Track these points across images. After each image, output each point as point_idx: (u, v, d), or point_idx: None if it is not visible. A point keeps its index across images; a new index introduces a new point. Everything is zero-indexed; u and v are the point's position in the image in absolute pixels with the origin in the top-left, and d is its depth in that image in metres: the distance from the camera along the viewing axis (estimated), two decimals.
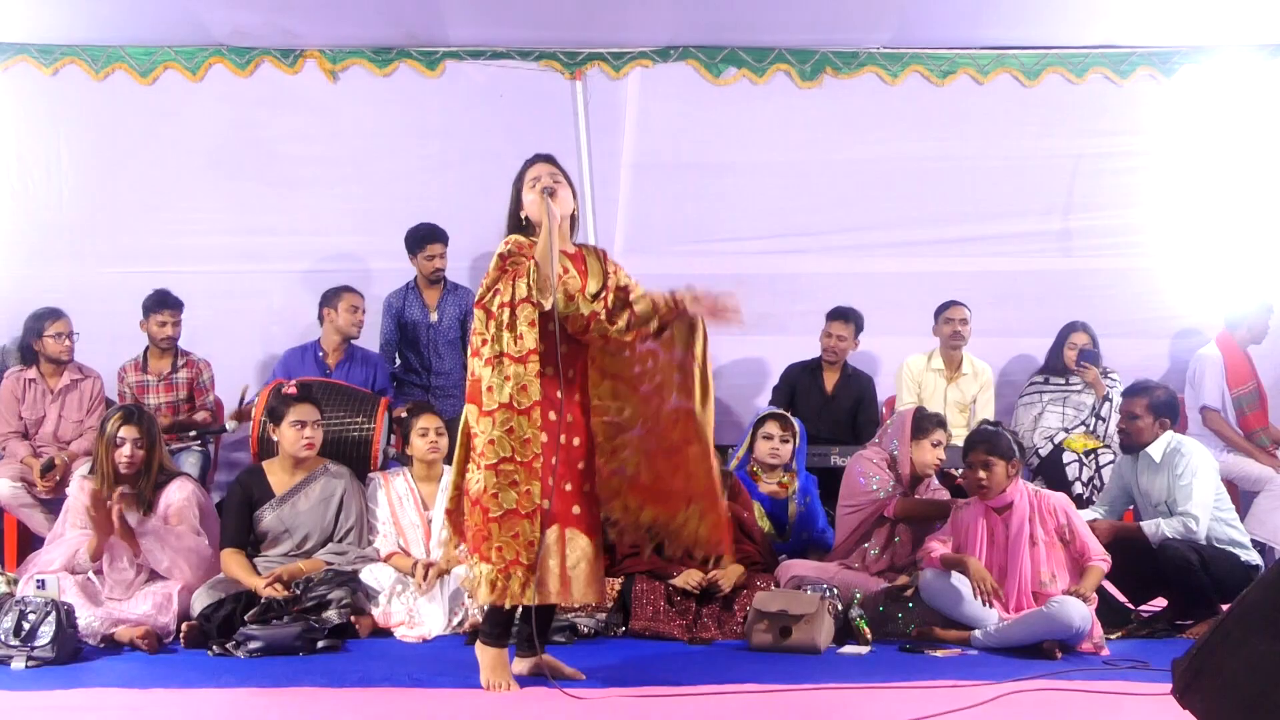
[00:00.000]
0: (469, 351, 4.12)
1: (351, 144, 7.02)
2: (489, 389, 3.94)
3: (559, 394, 3.99)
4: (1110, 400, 6.49)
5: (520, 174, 4.20)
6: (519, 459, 3.91)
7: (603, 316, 4.03)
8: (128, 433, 5.01)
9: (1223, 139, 7.11)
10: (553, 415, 4.00)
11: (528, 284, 3.93)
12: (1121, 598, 5.35)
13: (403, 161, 7.04)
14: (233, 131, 6.99)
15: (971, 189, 7.13)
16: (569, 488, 4.05)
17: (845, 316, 6.68)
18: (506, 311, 3.94)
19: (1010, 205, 7.14)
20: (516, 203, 4.18)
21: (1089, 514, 5.48)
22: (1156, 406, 5.41)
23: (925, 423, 5.44)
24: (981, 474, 4.98)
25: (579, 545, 4.06)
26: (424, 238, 6.60)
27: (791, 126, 7.10)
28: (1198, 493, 5.25)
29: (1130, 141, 7.14)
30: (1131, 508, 5.64)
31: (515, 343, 3.93)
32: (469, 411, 4.04)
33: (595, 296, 4.09)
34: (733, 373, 7.14)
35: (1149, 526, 5.27)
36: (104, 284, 6.74)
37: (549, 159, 4.23)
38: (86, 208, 6.96)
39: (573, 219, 4.24)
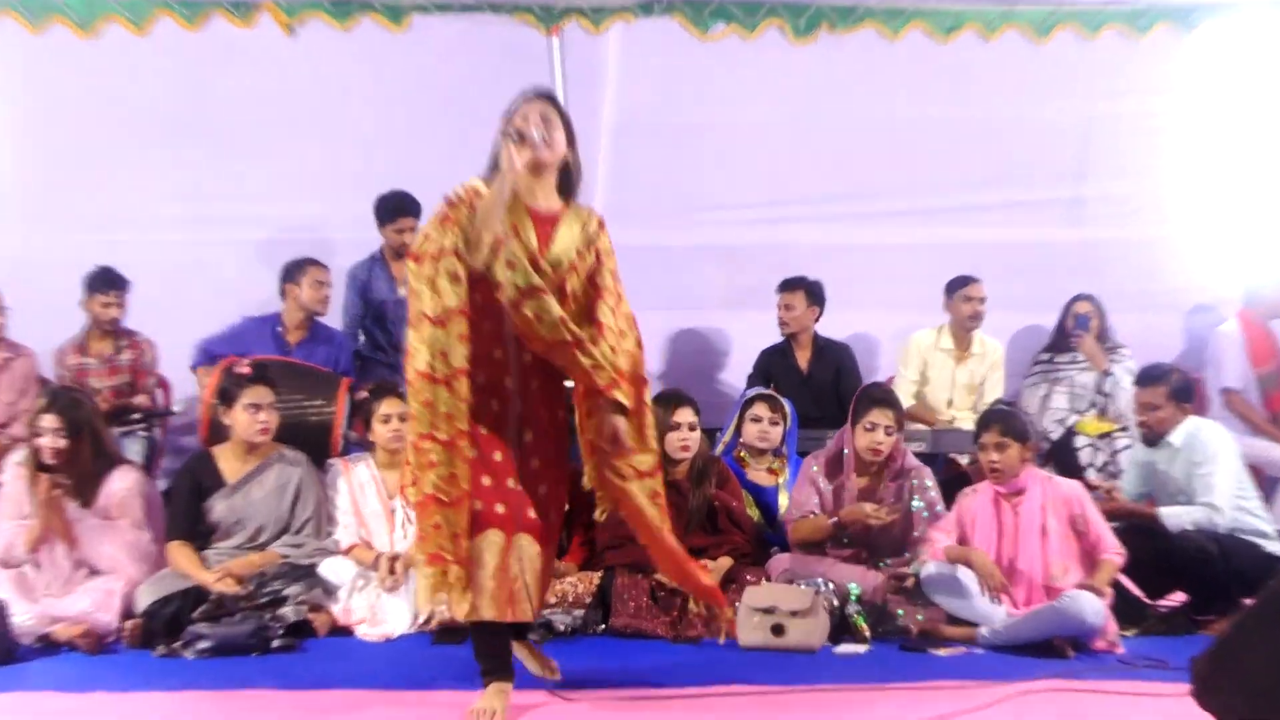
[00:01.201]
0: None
1: (310, 104, 6.91)
2: (409, 353, 3.66)
3: (509, 381, 3.75)
4: (1112, 375, 6.48)
5: (505, 119, 3.85)
6: (438, 436, 3.58)
7: (547, 296, 3.71)
8: (48, 421, 4.99)
9: (1246, 99, 7.07)
10: (495, 404, 3.75)
11: (456, 236, 3.66)
12: (1137, 592, 5.34)
13: (365, 123, 6.96)
14: (181, 90, 6.88)
15: (977, 154, 7.07)
16: (512, 484, 3.73)
17: (793, 285, 6.67)
18: (429, 264, 3.65)
19: (1018, 171, 7.10)
20: (499, 144, 3.85)
21: None
22: (1175, 392, 5.40)
23: (861, 404, 5.29)
24: (994, 456, 4.98)
25: (527, 554, 3.70)
26: (396, 209, 6.52)
27: (785, 86, 7.02)
28: (1220, 480, 5.24)
29: (1147, 102, 7.08)
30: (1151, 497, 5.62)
31: (434, 300, 3.62)
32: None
33: (555, 266, 3.80)
34: (720, 352, 7.12)
35: (1169, 515, 5.25)
36: (40, 255, 6.66)
37: (546, 97, 3.90)
38: (21, 172, 6.86)
39: (566, 172, 3.94)
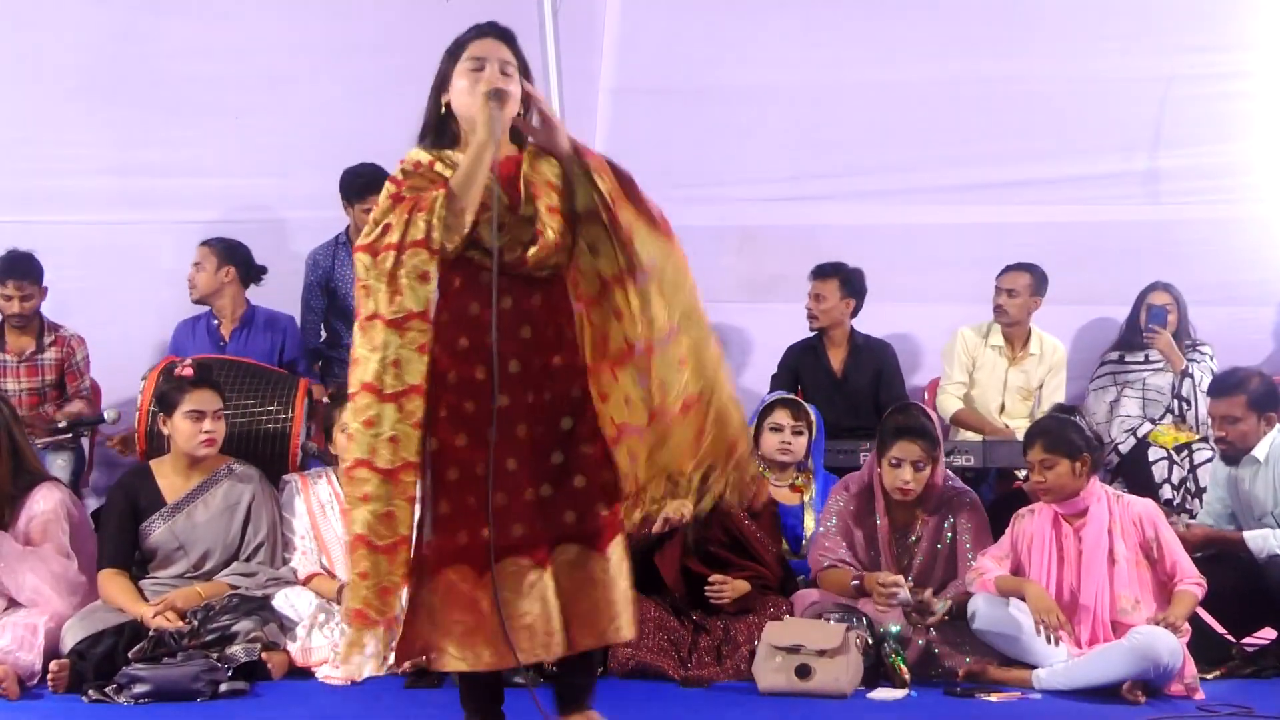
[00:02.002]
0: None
1: (261, 62, 6.99)
2: (355, 361, 3.51)
3: (479, 374, 3.54)
4: (1191, 376, 6.53)
5: (453, 51, 3.71)
6: (377, 463, 3.44)
7: (551, 235, 3.57)
8: None
9: None
10: (470, 405, 3.55)
11: (427, 221, 3.49)
12: (1220, 628, 5.37)
13: (325, 86, 7.04)
14: (111, 45, 6.95)
15: (1036, 120, 7.14)
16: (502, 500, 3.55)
17: (827, 273, 6.69)
18: (390, 257, 3.47)
19: (1085, 141, 7.15)
20: (440, 90, 3.71)
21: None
22: (1257, 401, 5.44)
23: (885, 435, 5.29)
24: (1041, 476, 5.01)
25: (535, 585, 3.55)
26: (366, 186, 6.53)
27: (811, 42, 7.10)
28: None
29: (1233, 60, 7.13)
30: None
31: (392, 300, 3.47)
32: None
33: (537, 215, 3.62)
34: (737, 350, 7.16)
35: (1254, 539, 5.30)
36: None
37: (501, 34, 3.71)
38: None
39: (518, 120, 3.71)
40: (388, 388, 3.45)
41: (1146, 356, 6.74)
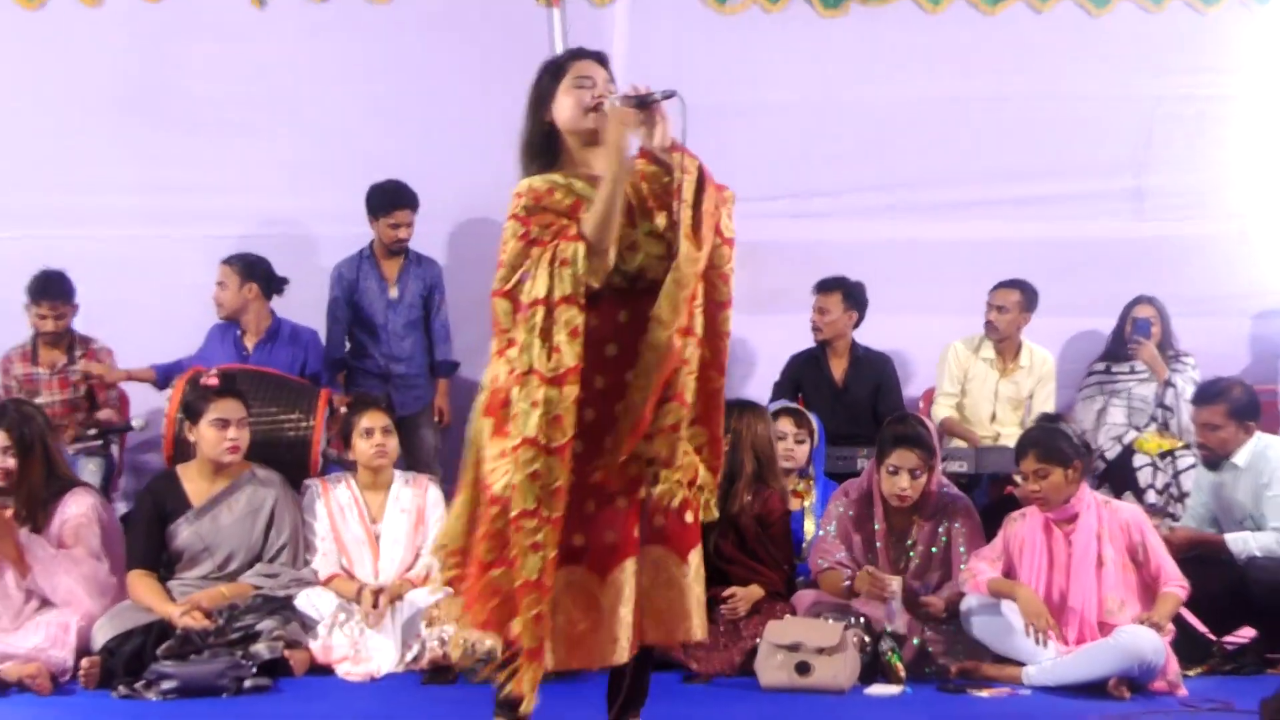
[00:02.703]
0: (494, 349, 3.56)
1: (283, 83, 7.02)
2: (514, 416, 3.43)
3: (597, 383, 3.47)
4: (1174, 386, 6.57)
5: (554, 71, 3.61)
6: (545, 514, 3.40)
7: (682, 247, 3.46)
8: None
9: None
10: (590, 413, 3.49)
11: (574, 276, 3.38)
12: (1202, 628, 5.42)
13: (343, 105, 7.05)
14: (138, 67, 6.99)
15: (1026, 140, 7.16)
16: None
17: (830, 286, 6.72)
18: (540, 313, 3.38)
19: (1073, 160, 7.18)
20: (541, 108, 3.58)
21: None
22: (1238, 410, 5.49)
23: (884, 444, 5.35)
24: (1035, 486, 5.06)
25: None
26: (391, 201, 6.58)
27: (811, 62, 7.11)
28: None
29: (1216, 82, 7.17)
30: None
31: (550, 357, 3.39)
32: (481, 429, 3.56)
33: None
34: (741, 361, 7.19)
35: (1235, 541, 5.36)
36: None
37: (598, 57, 3.64)
38: None
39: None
40: (553, 442, 3.39)
41: (1132, 367, 6.76)
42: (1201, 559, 5.33)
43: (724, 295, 3.73)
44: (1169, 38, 7.14)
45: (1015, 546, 5.14)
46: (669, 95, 3.53)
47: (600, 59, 3.64)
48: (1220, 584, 5.28)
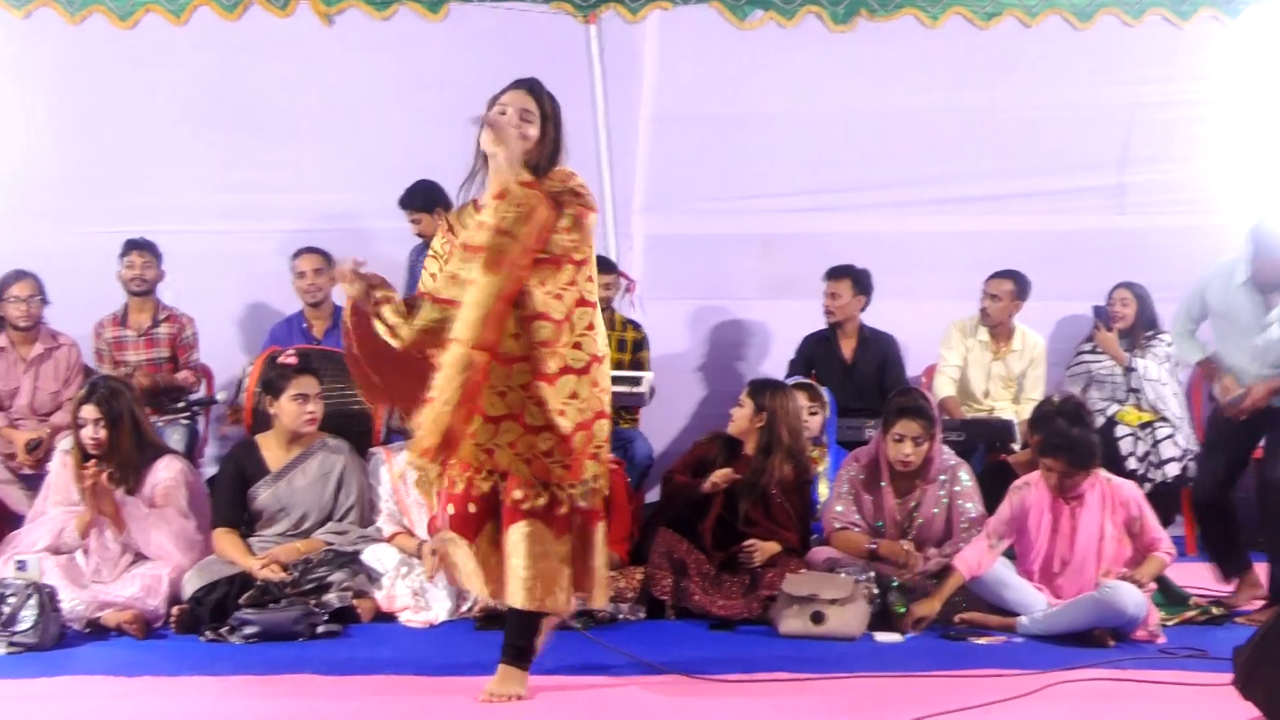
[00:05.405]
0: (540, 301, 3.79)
1: (347, 94, 7.03)
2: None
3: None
4: (1135, 369, 6.53)
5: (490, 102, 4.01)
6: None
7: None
8: (88, 412, 5.08)
9: None
10: None
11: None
12: (1180, 582, 5.38)
13: (402, 113, 7.05)
14: (219, 80, 7.00)
15: (1018, 141, 7.12)
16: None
17: (840, 274, 6.69)
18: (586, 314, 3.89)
19: (1061, 159, 7.14)
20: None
21: None
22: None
23: (889, 414, 5.31)
24: (1057, 480, 4.99)
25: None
26: (403, 202, 6.61)
27: (823, 74, 7.08)
28: None
29: (1191, 89, 7.11)
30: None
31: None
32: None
33: None
34: (759, 342, 7.20)
35: None
36: (79, 245, 6.75)
37: (528, 86, 3.99)
38: (61, 163, 6.98)
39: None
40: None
41: None
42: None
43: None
44: (1147, 49, 7.09)
45: (1022, 513, 5.07)
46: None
47: (529, 87, 3.96)
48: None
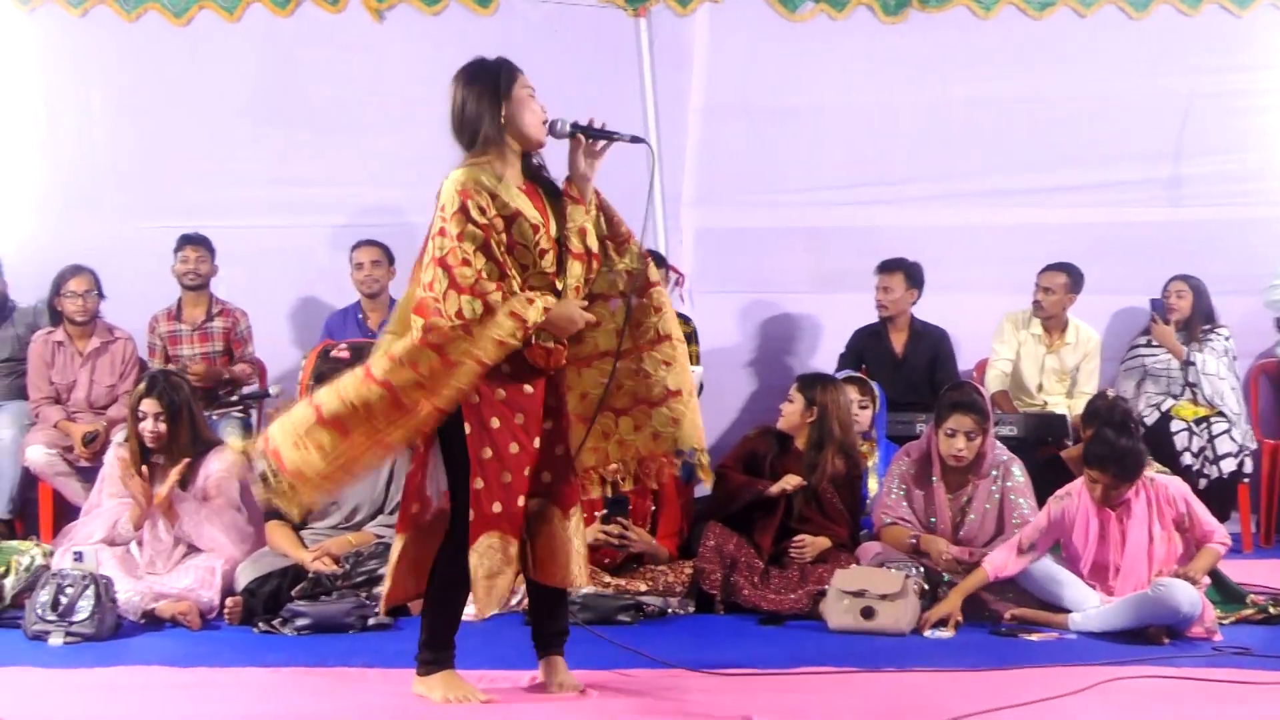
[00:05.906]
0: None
1: (398, 88, 7.03)
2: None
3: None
4: (1194, 364, 6.44)
5: (509, 71, 3.82)
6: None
7: None
8: (148, 406, 5.12)
9: None
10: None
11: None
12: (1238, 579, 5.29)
13: (446, 109, 7.05)
14: (271, 76, 7.07)
15: (1072, 133, 7.06)
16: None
17: (892, 267, 6.65)
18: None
19: (1115, 150, 7.07)
20: (498, 105, 3.75)
21: None
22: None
23: (942, 409, 5.26)
24: (1103, 492, 4.90)
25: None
26: None
27: (874, 66, 7.06)
28: None
29: (1249, 79, 7.05)
30: None
31: None
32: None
33: None
34: (809, 335, 7.17)
35: None
36: (135, 239, 6.84)
37: None
38: (116, 159, 7.07)
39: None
40: None
41: None
42: None
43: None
44: (1204, 39, 7.03)
45: (1066, 524, 4.97)
46: (636, 140, 3.77)
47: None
48: None
